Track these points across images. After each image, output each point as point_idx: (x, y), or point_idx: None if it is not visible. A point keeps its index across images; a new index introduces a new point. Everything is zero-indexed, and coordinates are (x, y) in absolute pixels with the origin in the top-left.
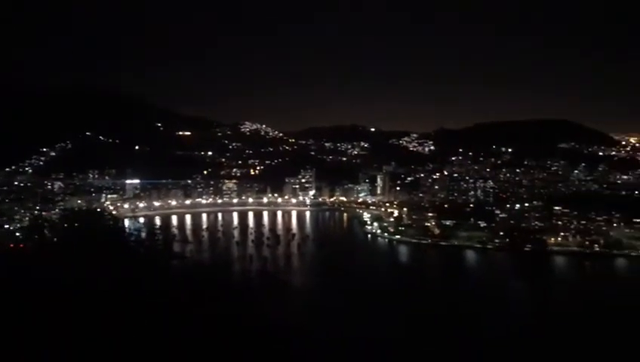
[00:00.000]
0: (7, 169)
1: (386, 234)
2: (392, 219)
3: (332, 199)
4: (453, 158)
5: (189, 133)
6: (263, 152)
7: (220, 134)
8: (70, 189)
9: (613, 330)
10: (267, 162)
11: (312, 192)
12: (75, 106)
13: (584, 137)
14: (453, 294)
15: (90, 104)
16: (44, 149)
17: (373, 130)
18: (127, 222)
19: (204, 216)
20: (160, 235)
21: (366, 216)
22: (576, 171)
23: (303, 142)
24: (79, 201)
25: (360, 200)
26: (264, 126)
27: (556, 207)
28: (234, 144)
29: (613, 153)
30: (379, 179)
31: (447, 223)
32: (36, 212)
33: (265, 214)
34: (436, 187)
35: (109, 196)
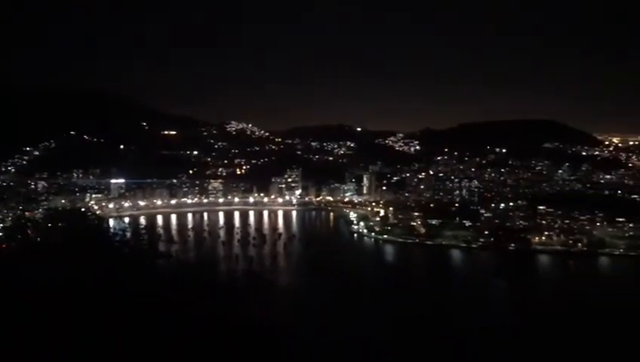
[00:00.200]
0: None
1: (372, 233)
2: (378, 219)
3: (318, 199)
4: (438, 158)
5: (174, 133)
6: (249, 152)
7: (205, 134)
8: (54, 189)
9: (595, 329)
10: (253, 162)
11: (298, 192)
12: (60, 105)
13: (568, 137)
14: (438, 294)
15: (74, 103)
16: (28, 148)
17: (359, 129)
18: (111, 222)
19: (190, 216)
20: (145, 235)
21: (352, 215)
22: (560, 171)
23: (290, 141)
24: (63, 201)
25: (346, 199)
26: (250, 125)
27: (540, 207)
28: (220, 143)
29: (597, 153)
30: (365, 179)
31: (433, 222)
32: (19, 212)
33: (251, 214)
34: (422, 187)
35: (93, 196)
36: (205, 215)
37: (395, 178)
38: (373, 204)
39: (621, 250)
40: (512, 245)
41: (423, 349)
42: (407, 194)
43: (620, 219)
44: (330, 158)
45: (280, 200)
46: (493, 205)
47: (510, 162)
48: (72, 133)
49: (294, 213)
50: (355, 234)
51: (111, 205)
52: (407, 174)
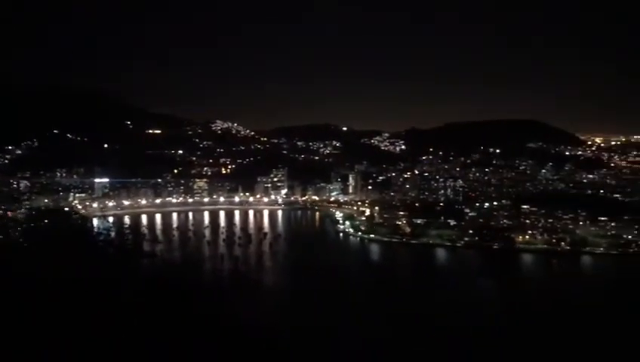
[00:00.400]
0: None
1: (357, 232)
2: (363, 218)
3: (304, 198)
4: (423, 158)
5: (159, 132)
6: (235, 151)
7: (190, 133)
8: (37, 188)
9: (578, 328)
10: (239, 161)
11: (284, 191)
12: (42, 104)
13: (551, 137)
14: (423, 293)
15: (57, 102)
16: (10, 147)
17: (345, 129)
18: (95, 222)
19: (175, 216)
20: (130, 235)
21: (338, 214)
22: (543, 170)
23: (275, 140)
24: (46, 200)
25: (332, 199)
26: (235, 124)
27: (524, 206)
28: (205, 143)
29: (580, 153)
30: (351, 178)
31: (418, 222)
32: (1, 211)
33: (236, 213)
34: (407, 186)
35: (77, 195)
36: (190, 214)
37: (380, 177)
38: (359, 203)
39: (601, 249)
40: (496, 244)
41: (408, 348)
42: (392, 194)
43: (602, 218)
44: (316, 158)
45: (266, 199)
46: (477, 204)
47: (494, 162)
48: (55, 131)
49: (280, 213)
50: (341, 234)
51: (95, 205)
52: (393, 174)
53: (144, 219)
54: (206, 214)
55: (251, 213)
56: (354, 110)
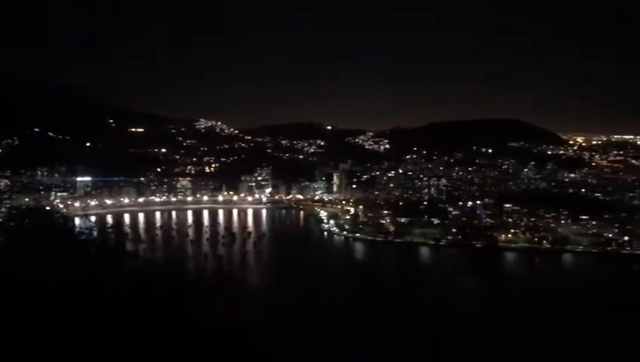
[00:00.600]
0: None
1: (342, 231)
2: (348, 217)
3: (289, 197)
4: (407, 157)
5: (142, 130)
6: (219, 149)
7: (173, 131)
8: (17, 187)
9: (560, 326)
10: (223, 160)
11: (268, 190)
12: (23, 102)
13: (533, 137)
14: (407, 292)
15: (38, 100)
16: None
17: (329, 128)
18: (77, 221)
19: (158, 215)
20: (112, 234)
21: (322, 213)
22: (525, 169)
23: (260, 139)
24: (27, 200)
25: (316, 197)
26: (219, 123)
27: (507, 205)
28: (188, 141)
29: (562, 152)
30: (335, 177)
31: (402, 220)
32: None
33: (220, 212)
34: (391, 185)
35: (58, 194)
36: (174, 213)
37: (364, 176)
38: (344, 202)
39: (581, 247)
40: (479, 242)
41: (391, 348)
42: (376, 193)
43: (584, 217)
44: (301, 157)
45: (250, 198)
46: (460, 203)
47: (477, 161)
48: (36, 129)
49: (264, 212)
50: (325, 233)
51: (77, 204)
52: (377, 172)
53: (127, 218)
54: (189, 213)
55: (235, 212)
56: (338, 109)
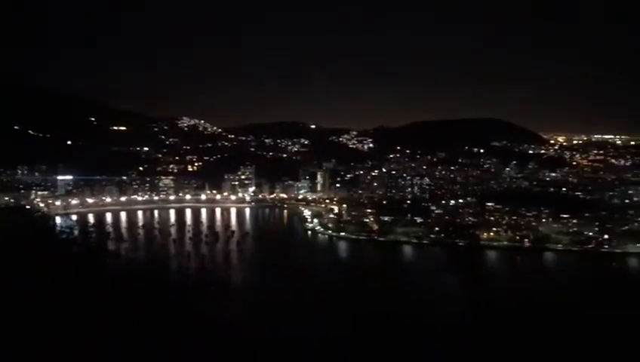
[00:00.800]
0: None
1: (325, 230)
2: (331, 216)
3: (272, 196)
4: (391, 156)
5: (124, 128)
6: (202, 148)
7: (156, 129)
8: None
9: (541, 324)
10: (205, 158)
11: (251, 189)
12: (2, 100)
13: (515, 136)
14: (390, 290)
15: (18, 98)
16: None
17: (313, 127)
18: (58, 220)
19: (140, 214)
20: (94, 233)
21: (306, 212)
22: (507, 169)
23: (243, 138)
24: (7, 198)
25: (300, 196)
26: (202, 121)
27: (489, 203)
28: (171, 140)
29: (543, 151)
30: (319, 176)
31: (386, 219)
32: None
33: (203, 211)
34: (375, 184)
35: (39, 193)
36: (156, 212)
37: (348, 175)
38: (327, 201)
39: (559, 246)
40: (462, 241)
41: (374, 346)
42: (360, 192)
43: (564, 216)
44: (284, 155)
45: (233, 197)
46: (443, 202)
47: (460, 160)
48: (15, 127)
49: (248, 211)
50: (309, 232)
51: (58, 202)
52: (361, 171)
53: (109, 217)
54: (172, 212)
55: (218, 211)
56: (322, 108)
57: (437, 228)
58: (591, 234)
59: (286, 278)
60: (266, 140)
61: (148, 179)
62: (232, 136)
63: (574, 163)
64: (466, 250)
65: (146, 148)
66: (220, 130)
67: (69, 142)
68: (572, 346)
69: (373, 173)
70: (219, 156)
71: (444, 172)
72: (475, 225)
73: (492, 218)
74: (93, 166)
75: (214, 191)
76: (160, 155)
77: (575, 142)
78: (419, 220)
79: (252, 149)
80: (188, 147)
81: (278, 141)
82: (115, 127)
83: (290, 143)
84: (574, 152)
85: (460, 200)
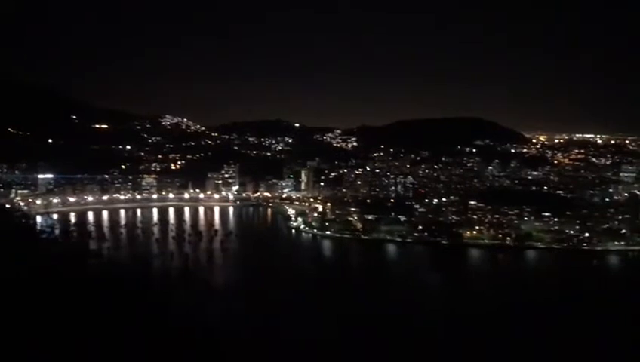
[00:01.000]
0: None
1: (310, 229)
2: (316, 214)
3: (256, 194)
4: (375, 154)
5: (106, 126)
6: (185, 146)
7: (138, 127)
8: None
9: (523, 322)
10: (189, 157)
11: (235, 187)
12: None
13: (498, 135)
14: (374, 290)
15: None
16: None
17: (297, 125)
18: (39, 219)
19: (123, 213)
20: (75, 232)
21: (290, 211)
22: (490, 167)
23: (226, 136)
24: None
25: (284, 195)
26: (185, 120)
27: (472, 202)
28: (154, 138)
29: (525, 150)
30: (303, 175)
31: (370, 218)
32: None
33: (186, 210)
34: (359, 182)
35: (19, 192)
36: (139, 211)
37: (332, 174)
38: (311, 199)
39: (539, 244)
40: (445, 239)
41: (356, 348)
42: (344, 190)
43: (546, 214)
44: (268, 154)
45: (216, 196)
46: (426, 200)
47: (443, 159)
48: None
49: (231, 210)
50: (293, 230)
51: (38, 201)
52: (345, 170)
53: (90, 216)
54: (155, 211)
55: (202, 209)
56: (306, 107)
57: (420, 227)
58: (572, 232)
59: (269, 278)
60: (250, 139)
61: (130, 177)
62: (216, 134)
63: (556, 162)
64: (449, 248)
65: (128, 147)
66: (203, 128)
67: (49, 140)
68: (551, 343)
69: (357, 172)
70: (202, 154)
71: (427, 171)
72: (458, 224)
73: (475, 216)
74: (75, 164)
75: (197, 190)
76: (142, 154)
77: (556, 141)
78: (402, 219)
79: (236, 148)
80: (171, 145)
81: (262, 139)
82: (97, 125)
83: (274, 142)
84: (556, 151)
85: (443, 199)
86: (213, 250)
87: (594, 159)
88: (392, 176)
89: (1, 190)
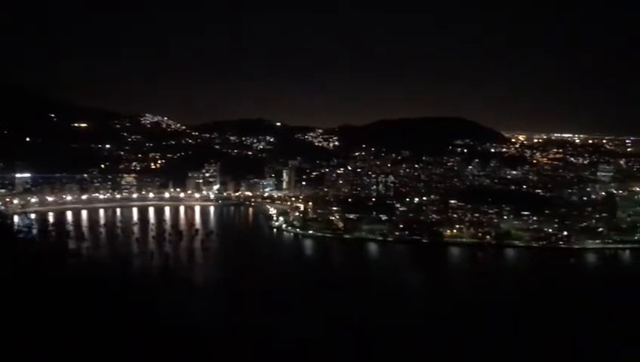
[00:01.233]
0: None
1: (291, 228)
2: (297, 214)
3: (237, 194)
4: (356, 154)
5: (85, 125)
6: (165, 145)
7: (118, 126)
8: None
9: (504, 321)
10: (169, 156)
11: (216, 187)
12: None
13: (477, 135)
14: (355, 289)
15: None
16: None
17: (279, 124)
18: (16, 219)
19: (102, 212)
20: (53, 232)
21: (272, 210)
22: (470, 167)
23: (207, 135)
24: None
25: (266, 194)
26: (166, 118)
27: (452, 201)
28: (133, 137)
29: (504, 150)
30: (285, 174)
31: (351, 217)
32: None
33: (167, 210)
34: (340, 182)
35: None
36: (118, 211)
37: (314, 173)
38: (293, 199)
39: (518, 242)
40: (425, 238)
41: (335, 347)
42: (326, 189)
43: (525, 213)
44: (250, 153)
45: (197, 195)
46: (407, 199)
47: (424, 158)
48: None
49: (212, 209)
50: (275, 230)
51: (15, 201)
52: (326, 169)
53: (69, 215)
54: (135, 211)
55: (182, 209)
56: (288, 106)
57: (401, 226)
58: (550, 230)
59: (250, 277)
60: (231, 138)
61: (110, 176)
62: (196, 133)
63: (534, 161)
64: (429, 247)
65: (107, 146)
66: (183, 127)
67: (27, 139)
68: (530, 341)
69: (339, 171)
70: (183, 153)
71: (408, 170)
72: (439, 223)
73: (455, 215)
74: (53, 163)
75: (178, 190)
76: (122, 153)
77: (535, 140)
78: (384, 218)
79: (217, 147)
80: (151, 144)
81: (243, 138)
82: (76, 124)
83: (255, 141)
84: (535, 151)
85: (424, 198)
86: (193, 249)
87: (572, 159)
88: (373, 176)
89: None
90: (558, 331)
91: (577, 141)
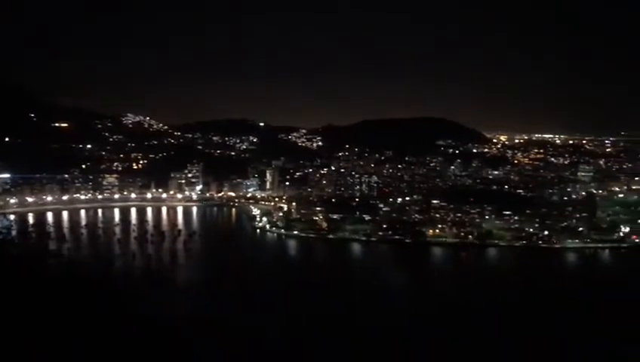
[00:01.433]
0: None
1: (275, 228)
2: (280, 214)
3: (220, 194)
4: (340, 154)
5: (65, 125)
6: (147, 146)
7: (99, 126)
8: None
9: (488, 320)
10: (151, 156)
11: (199, 187)
12: None
13: (460, 135)
14: (338, 289)
15: None
16: None
17: (262, 124)
18: None
19: (83, 213)
20: (33, 233)
21: (255, 211)
22: (452, 167)
23: (190, 135)
24: None
25: (249, 195)
26: (148, 118)
27: (434, 201)
28: (115, 137)
29: (486, 150)
30: (268, 174)
31: (335, 217)
32: None
33: (149, 210)
34: (324, 182)
35: None
36: (100, 211)
37: (297, 173)
38: (276, 199)
39: (499, 242)
40: (408, 238)
41: (320, 348)
42: (309, 190)
43: (507, 212)
44: (233, 153)
45: (180, 196)
46: (390, 200)
47: (407, 158)
48: None
49: (195, 209)
50: (258, 230)
51: None
52: (310, 170)
53: (50, 216)
54: (117, 211)
55: (164, 209)
56: (271, 106)
57: (384, 226)
58: (531, 230)
59: (233, 278)
60: (214, 138)
61: (91, 177)
62: (179, 133)
63: (516, 161)
64: (412, 246)
65: (89, 146)
66: (165, 127)
67: (6, 139)
68: (512, 340)
69: (323, 171)
70: (165, 154)
71: (391, 170)
72: (421, 223)
73: (437, 215)
74: (33, 163)
75: (160, 190)
76: (104, 153)
77: (517, 141)
78: (367, 218)
79: (199, 147)
80: (133, 144)
81: (226, 139)
82: (57, 124)
83: (238, 141)
84: (516, 151)
85: (407, 198)
86: (176, 250)
87: (553, 159)
88: (356, 176)
89: None
90: (539, 330)
91: (558, 141)
